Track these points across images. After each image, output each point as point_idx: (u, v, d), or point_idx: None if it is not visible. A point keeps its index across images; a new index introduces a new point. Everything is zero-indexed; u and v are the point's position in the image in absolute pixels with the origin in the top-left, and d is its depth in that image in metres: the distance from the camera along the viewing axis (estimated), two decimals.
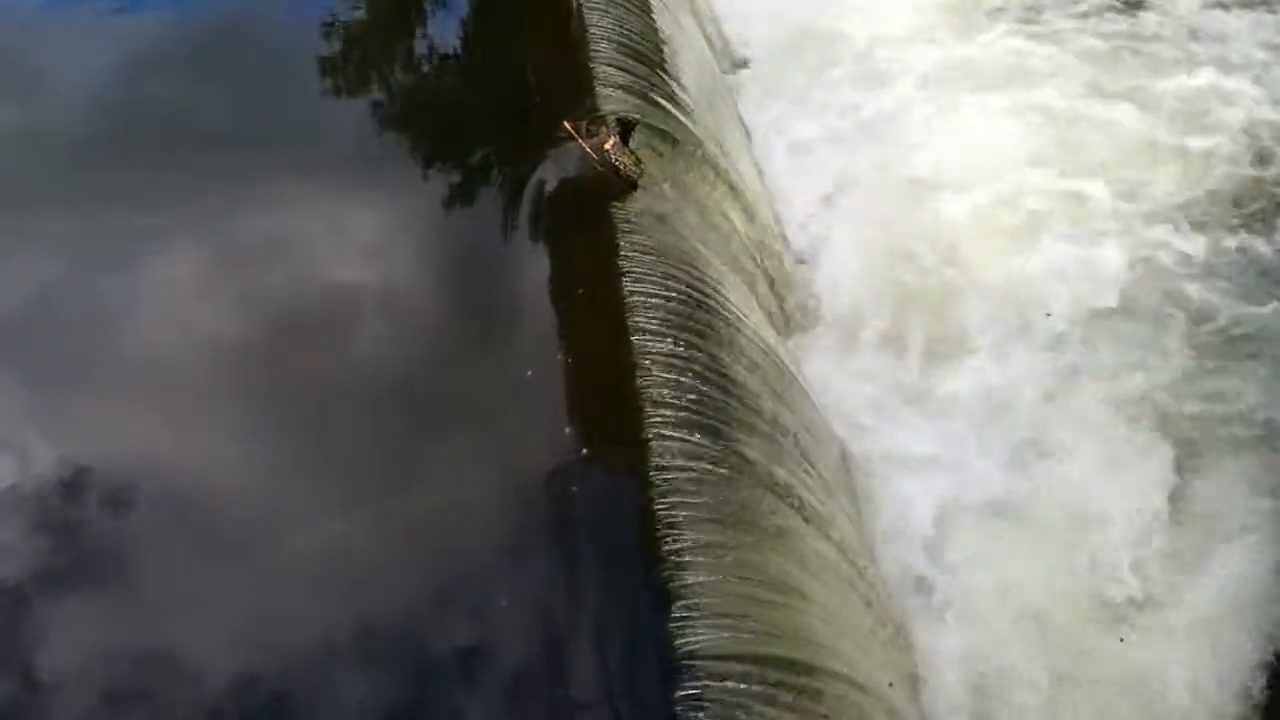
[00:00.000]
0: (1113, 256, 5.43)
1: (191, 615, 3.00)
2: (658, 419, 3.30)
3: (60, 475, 3.29)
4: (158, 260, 3.83)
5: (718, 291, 3.96)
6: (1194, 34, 6.66)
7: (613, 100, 4.31)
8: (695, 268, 3.92)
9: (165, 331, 3.67)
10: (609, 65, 4.45)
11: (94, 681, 2.90)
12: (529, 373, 3.50)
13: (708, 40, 6.21)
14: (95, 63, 4.56)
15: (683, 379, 3.45)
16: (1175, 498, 4.60)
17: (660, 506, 3.10)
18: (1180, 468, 4.69)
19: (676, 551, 3.01)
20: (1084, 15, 6.85)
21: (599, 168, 3.88)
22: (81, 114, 4.37)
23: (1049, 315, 5.21)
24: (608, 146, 3.85)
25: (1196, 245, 5.48)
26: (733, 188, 4.84)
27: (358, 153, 4.23)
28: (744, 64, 6.78)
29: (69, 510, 3.23)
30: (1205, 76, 6.29)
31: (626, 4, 4.86)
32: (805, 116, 6.24)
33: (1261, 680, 4.09)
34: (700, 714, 2.72)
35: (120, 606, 3.05)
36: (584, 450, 3.30)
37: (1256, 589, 4.33)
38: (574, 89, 4.34)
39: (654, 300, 3.63)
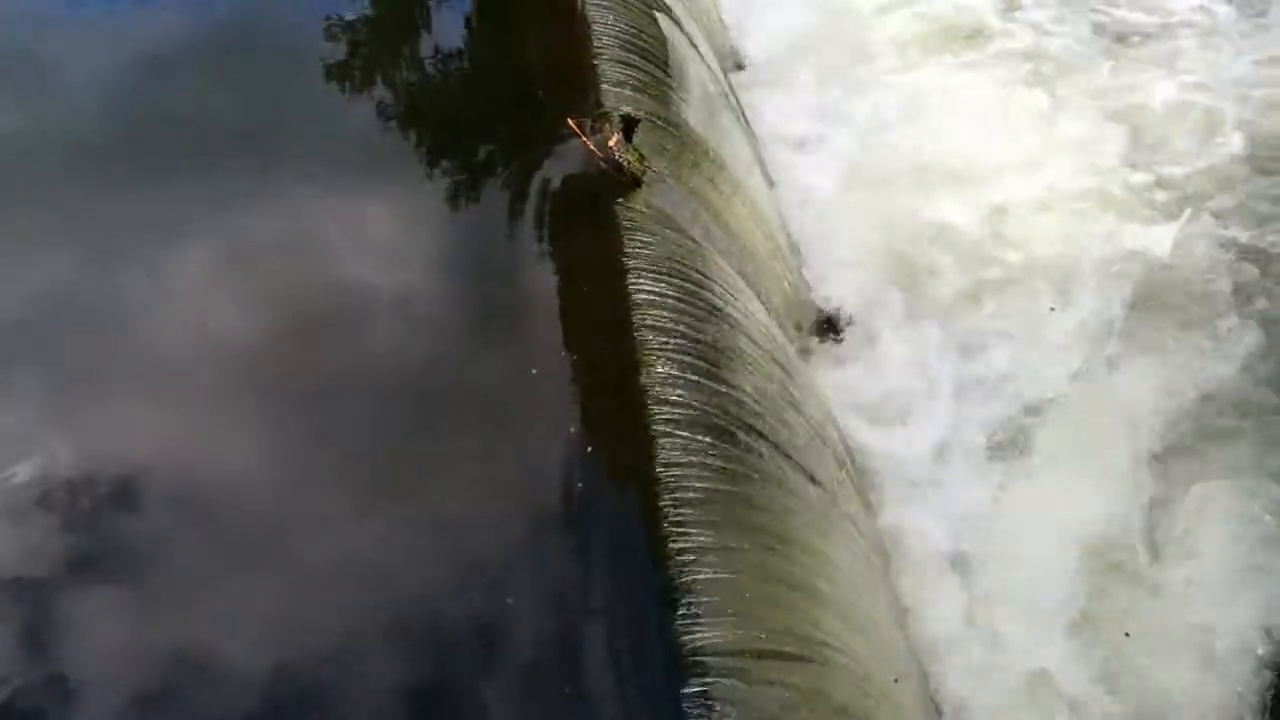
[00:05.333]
0: None
1: (208, 611, 3.01)
2: (663, 417, 3.29)
3: (81, 474, 3.29)
4: (172, 260, 3.84)
5: (722, 289, 3.96)
6: None
7: (616, 97, 4.31)
8: (699, 265, 3.92)
9: (182, 331, 3.67)
10: (612, 62, 4.44)
11: (117, 679, 2.91)
12: (533, 371, 3.49)
13: (712, 37, 6.20)
14: (107, 63, 4.58)
15: (687, 376, 3.44)
16: None
17: (666, 504, 3.09)
18: None
19: (682, 550, 3.01)
20: None
21: (602, 165, 3.87)
22: (94, 113, 4.38)
23: (1052, 309, 5.20)
24: (611, 144, 3.85)
25: None
26: (737, 185, 4.84)
27: (362, 151, 4.24)
28: (746, 62, 6.78)
29: (90, 510, 3.23)
30: None
31: (630, 1, 4.86)
32: (808, 115, 6.24)
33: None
34: (706, 711, 2.71)
35: (141, 604, 3.05)
36: (589, 448, 3.29)
37: None
38: (577, 86, 4.34)
39: (658, 298, 3.62)
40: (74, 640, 2.98)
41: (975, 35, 6.86)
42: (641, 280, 3.64)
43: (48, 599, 3.06)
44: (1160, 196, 5.79)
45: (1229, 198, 5.75)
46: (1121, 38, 6.82)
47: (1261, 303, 5.22)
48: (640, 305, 3.57)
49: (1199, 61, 6.52)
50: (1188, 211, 5.61)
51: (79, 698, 2.88)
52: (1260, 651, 4.09)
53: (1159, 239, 5.46)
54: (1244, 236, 5.51)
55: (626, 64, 4.49)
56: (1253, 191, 5.77)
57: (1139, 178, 5.87)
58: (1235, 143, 6.01)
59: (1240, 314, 5.14)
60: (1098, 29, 6.86)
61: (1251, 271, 5.35)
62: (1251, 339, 5.02)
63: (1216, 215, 5.63)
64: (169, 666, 2.91)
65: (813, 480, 3.80)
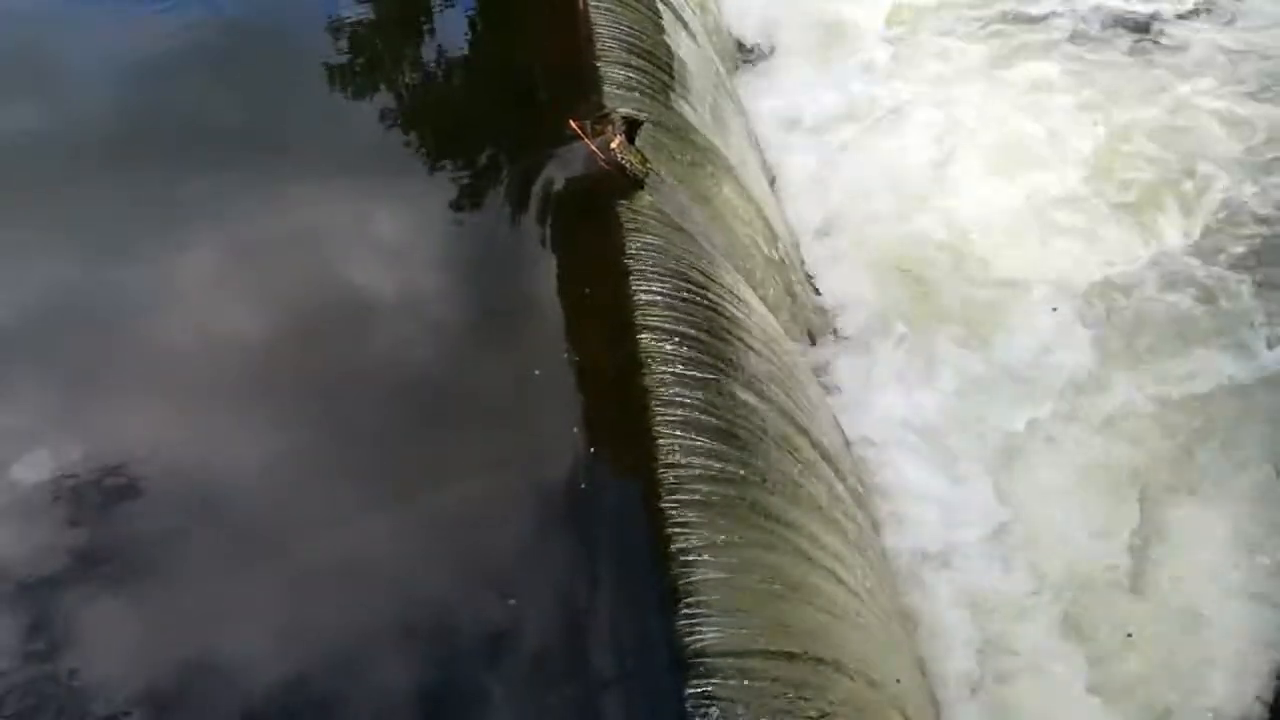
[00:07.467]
0: None
1: (215, 608, 3.04)
2: (665, 417, 3.31)
3: (88, 473, 3.31)
4: (178, 260, 3.85)
5: (724, 289, 3.97)
6: None
7: (619, 99, 4.31)
8: (702, 266, 3.93)
9: (188, 331, 3.70)
10: (615, 64, 4.45)
11: (123, 677, 2.93)
12: (536, 371, 3.51)
13: (713, 36, 6.20)
14: (113, 62, 4.59)
15: (690, 377, 3.45)
16: None
17: (668, 504, 3.11)
18: None
19: (685, 549, 3.02)
20: None
21: (605, 166, 3.88)
22: (99, 113, 4.40)
23: (1055, 310, 5.21)
24: (614, 145, 3.86)
25: None
26: (739, 185, 4.84)
27: (365, 153, 4.25)
28: (751, 55, 6.77)
29: (97, 509, 3.25)
30: None
31: (633, 2, 4.86)
32: (811, 111, 6.24)
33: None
34: (710, 711, 2.73)
35: (148, 602, 3.07)
36: (591, 449, 3.31)
37: None
38: (580, 87, 4.34)
39: (660, 298, 3.63)
40: (82, 638, 3.00)
41: None
42: (644, 281, 3.66)
43: (55, 597, 3.08)
44: None
45: None
46: None
47: None
48: (642, 306, 3.59)
49: None
50: None
51: (87, 695, 2.91)
52: None
53: None
54: None
55: (629, 65, 4.49)
56: None
57: None
58: None
59: None
60: None
61: None
62: None
63: None
64: (176, 664, 2.93)
65: (814, 478, 3.81)
